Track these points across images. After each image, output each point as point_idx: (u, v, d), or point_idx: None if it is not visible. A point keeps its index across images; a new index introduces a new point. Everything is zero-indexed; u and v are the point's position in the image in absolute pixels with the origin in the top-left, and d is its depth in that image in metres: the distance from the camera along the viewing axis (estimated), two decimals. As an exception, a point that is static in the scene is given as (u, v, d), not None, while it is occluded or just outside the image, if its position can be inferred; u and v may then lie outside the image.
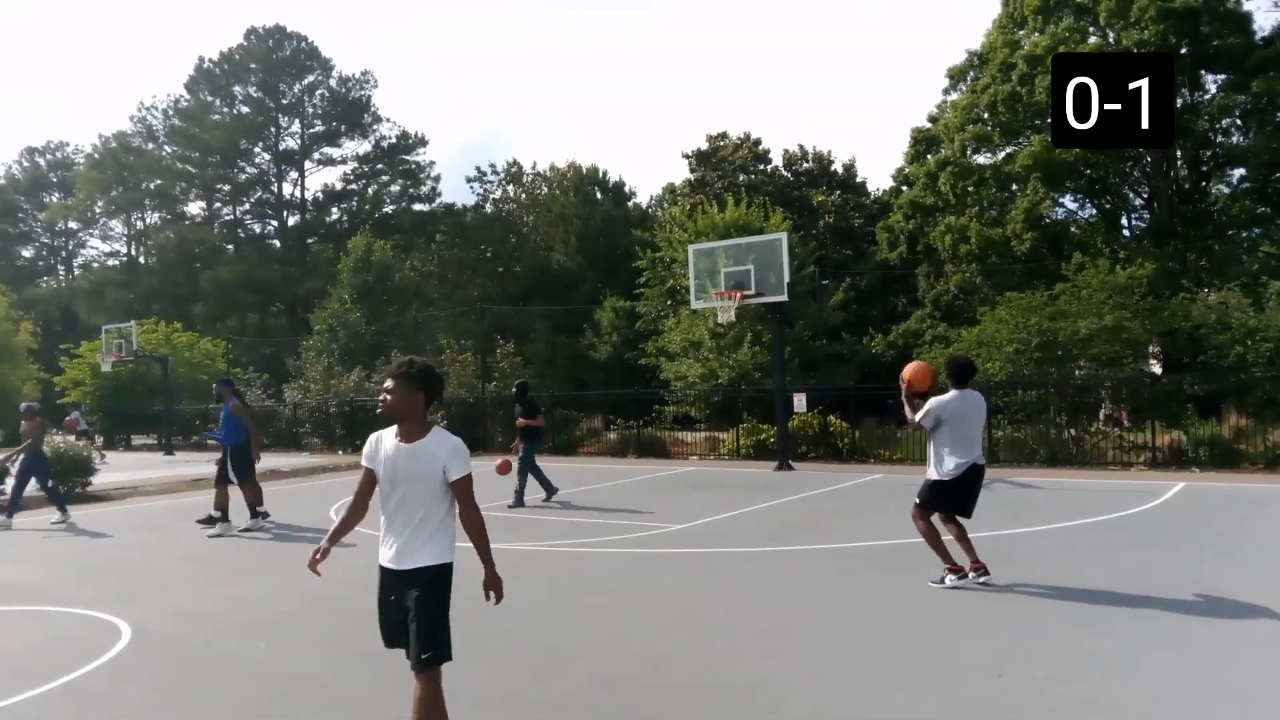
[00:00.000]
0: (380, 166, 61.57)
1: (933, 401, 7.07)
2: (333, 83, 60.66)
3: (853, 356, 33.13)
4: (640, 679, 5.09)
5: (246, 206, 63.84)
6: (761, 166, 42.87)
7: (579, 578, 7.91)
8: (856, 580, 7.32)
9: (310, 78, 60.21)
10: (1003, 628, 5.82)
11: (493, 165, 55.98)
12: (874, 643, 5.59)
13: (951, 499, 6.94)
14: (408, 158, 61.37)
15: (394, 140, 61.20)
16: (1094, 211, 31.75)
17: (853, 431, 18.01)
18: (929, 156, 32.59)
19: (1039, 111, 27.68)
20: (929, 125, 33.94)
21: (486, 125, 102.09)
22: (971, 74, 31.97)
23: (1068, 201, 31.62)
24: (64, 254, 70.33)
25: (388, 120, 62.40)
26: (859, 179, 43.30)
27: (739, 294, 16.49)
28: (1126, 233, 31.21)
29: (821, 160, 42.92)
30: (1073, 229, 30.58)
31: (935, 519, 7.06)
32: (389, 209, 61.29)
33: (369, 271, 39.23)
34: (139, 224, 66.17)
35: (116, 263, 66.58)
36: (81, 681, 5.31)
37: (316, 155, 61.88)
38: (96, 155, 62.88)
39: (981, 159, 31.36)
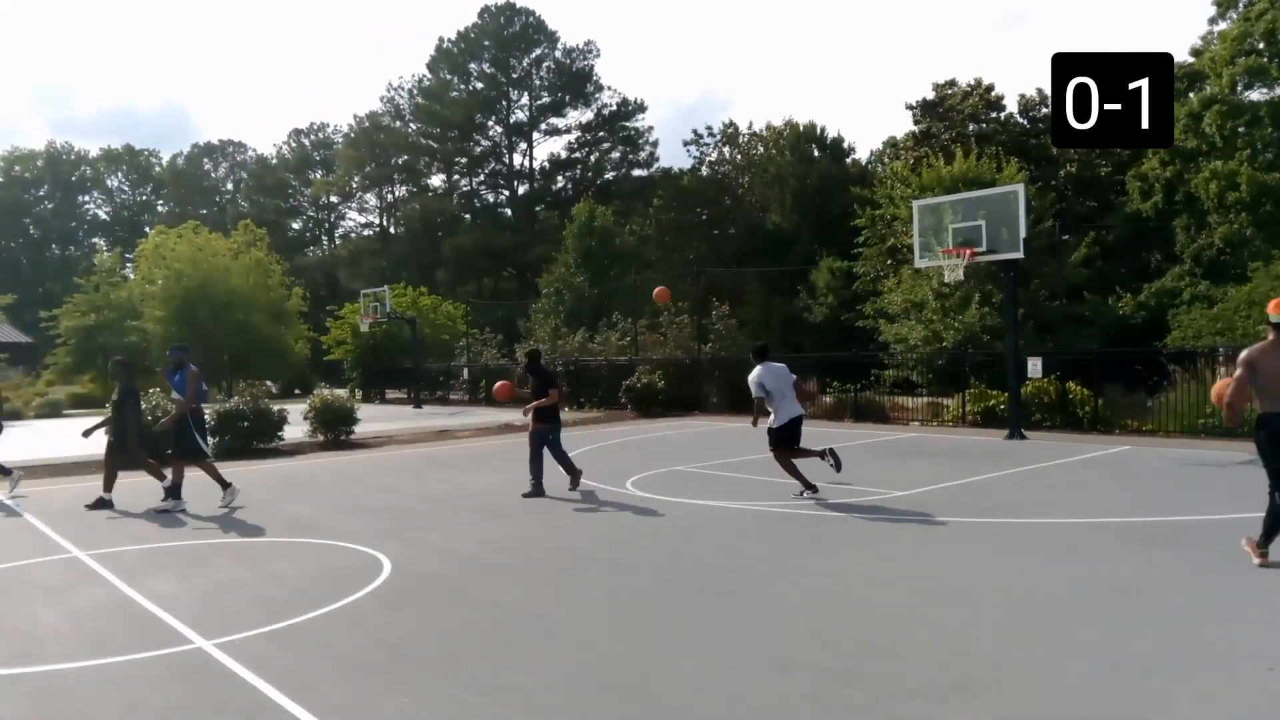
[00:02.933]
0: (602, 134, 63.48)
1: (752, 377, 9.92)
2: (558, 54, 62.99)
3: (1096, 318, 30.53)
4: (867, 642, 5.06)
5: (481, 178, 67.96)
6: (994, 114, 40.09)
7: (799, 538, 7.92)
8: (1098, 556, 6.84)
9: (537, 51, 62.81)
10: (1275, 616, 5.25)
11: (709, 128, 56.19)
12: (1124, 624, 5.22)
13: (789, 437, 9.87)
14: (627, 124, 62.88)
15: (614, 108, 62.84)
16: (1399, 150, 27.26)
17: (1095, 399, 16.66)
18: (1191, 95, 29.15)
19: (1329, 36, 24.05)
20: (1191, 60, 30.36)
21: (704, 88, 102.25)
22: (1245, -1, 28.21)
23: (1364, 140, 27.34)
24: (327, 225, 78.19)
25: (609, 89, 64.02)
26: (1107, 123, 39.48)
27: (968, 251, 15.63)
28: None
29: (1063, 105, 39.48)
30: (1371, 171, 26.42)
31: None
32: (609, 175, 63.14)
33: (591, 237, 40.69)
34: (389, 197, 72.25)
35: (371, 233, 73.19)
36: (351, 607, 6.00)
37: (543, 126, 64.72)
38: (352, 134, 69.09)
39: (1255, 95, 27.70)
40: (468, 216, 66.42)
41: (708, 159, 54.79)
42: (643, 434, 18.25)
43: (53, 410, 29.78)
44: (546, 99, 63.98)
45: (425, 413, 26.64)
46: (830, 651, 4.90)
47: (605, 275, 39.24)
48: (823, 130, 47.62)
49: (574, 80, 62.97)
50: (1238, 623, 5.18)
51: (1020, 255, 15.39)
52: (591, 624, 5.56)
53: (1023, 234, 15.18)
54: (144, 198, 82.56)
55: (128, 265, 46.96)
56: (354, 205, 75.10)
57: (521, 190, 66.06)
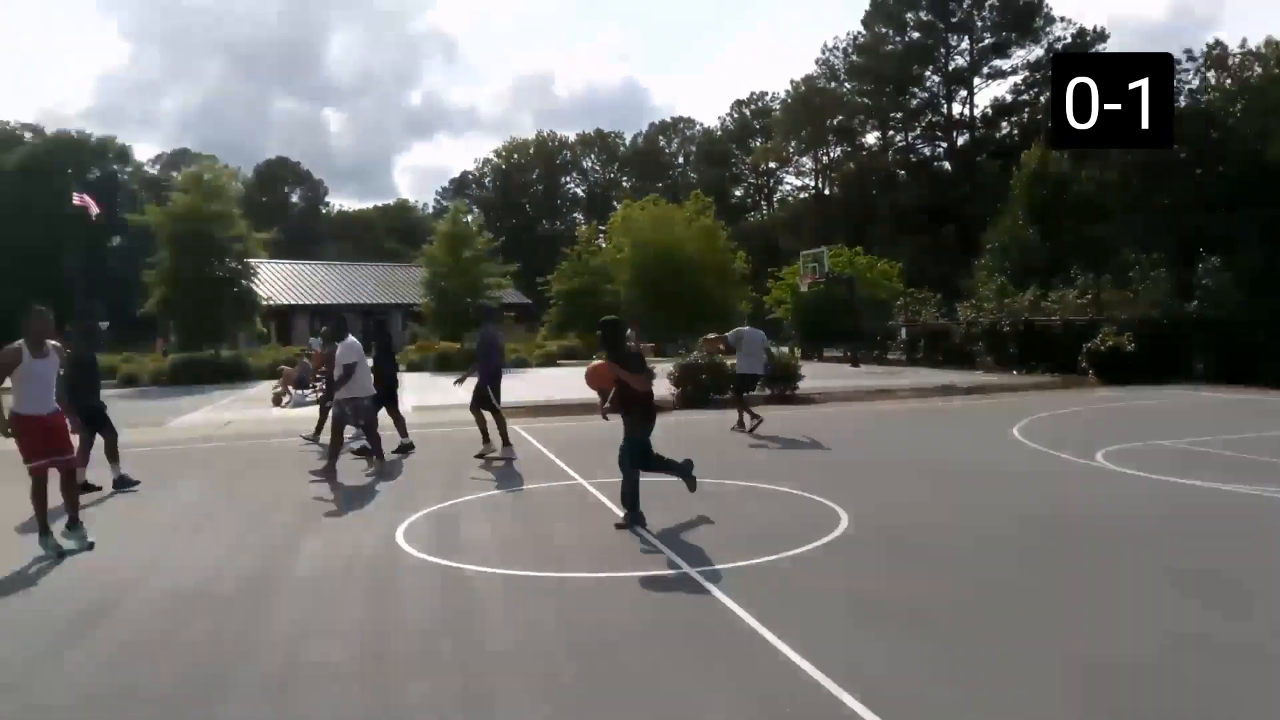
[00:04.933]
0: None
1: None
2: (1003, -11, 58.24)
3: None
4: None
5: (917, 131, 65.67)
6: None
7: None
8: None
9: (981, -11, 58.66)
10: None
11: (1187, 52, 47.96)
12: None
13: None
14: (1088, 57, 56.21)
15: (1069, 40, 56.55)
16: None
17: None
18: None
19: None
20: None
21: (1174, 5, 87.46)
22: None
23: None
24: (765, 191, 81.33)
25: (1062, 20, 57.68)
26: None
27: None
28: None
29: None
30: None
31: None
32: (1064, 116, 57.11)
33: (1043, 185, 37.24)
34: (824, 158, 72.94)
35: (807, 195, 74.63)
36: (810, 554, 6.30)
37: (985, 70, 60.54)
38: (789, 100, 70.71)
39: None
40: (903, 173, 64.67)
41: (1186, 87, 47.03)
42: (1109, 403, 16.47)
43: (548, 360, 35.10)
44: (989, 40, 59.63)
45: (863, 372, 26.70)
46: None
47: (1059, 227, 35.72)
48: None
49: (1021, 15, 57.79)
50: None
51: None
52: (1051, 595, 5.23)
53: None
54: (612, 175, 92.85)
55: (600, 236, 53.25)
56: (791, 169, 77.09)
57: (960, 141, 62.57)
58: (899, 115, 64.68)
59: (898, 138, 66.93)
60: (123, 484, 9.33)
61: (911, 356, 31.23)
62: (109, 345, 30.99)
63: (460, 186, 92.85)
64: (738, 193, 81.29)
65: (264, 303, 32.40)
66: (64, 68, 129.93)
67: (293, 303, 47.04)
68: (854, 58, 64.71)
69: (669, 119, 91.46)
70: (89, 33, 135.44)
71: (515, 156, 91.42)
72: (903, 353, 32.15)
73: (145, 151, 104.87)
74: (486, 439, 10.85)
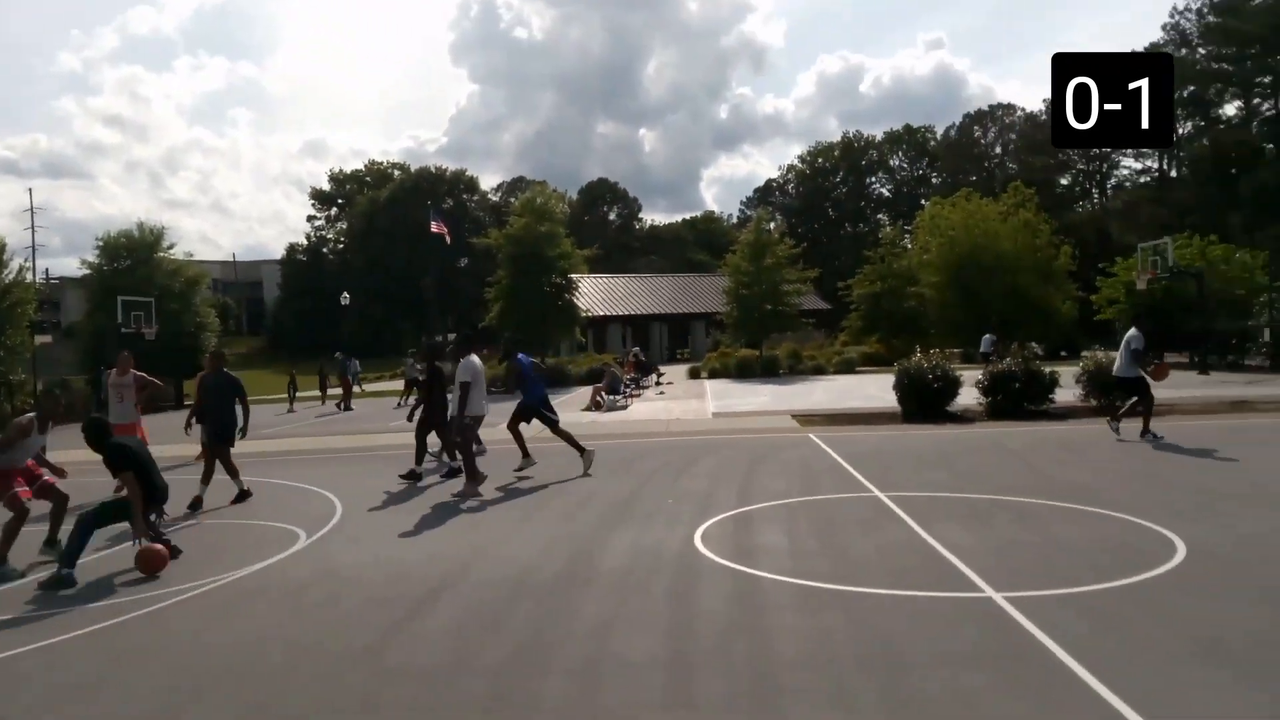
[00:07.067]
0: None
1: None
2: None
3: None
4: None
5: (1291, 97, 56.09)
6: None
7: None
8: None
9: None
10: None
11: None
12: None
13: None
14: None
15: None
16: None
17: None
18: None
19: None
20: None
21: None
22: None
23: None
24: (1098, 177, 73.75)
25: None
26: None
27: None
28: None
29: None
30: None
31: None
32: None
33: None
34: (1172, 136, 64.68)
35: (1148, 179, 66.70)
36: (1135, 586, 5.67)
37: (1389, 15, 50.25)
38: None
39: None
40: (1270, 146, 55.54)
41: None
42: None
43: (846, 367, 34.47)
44: (1396, -21, 49.43)
45: (1213, 380, 23.39)
46: None
47: None
48: None
49: None
50: None
51: None
52: None
53: None
54: (920, 172, 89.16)
55: (906, 236, 51.30)
56: (1129, 152, 69.19)
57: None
58: (1267, 80, 55.72)
59: (1264, 106, 57.67)
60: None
61: (1276, 362, 26.83)
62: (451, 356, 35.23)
63: (764, 195, 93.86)
64: (1064, 181, 74.45)
65: (583, 314, 34.92)
66: (425, 112, 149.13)
67: (607, 313, 50.51)
68: (1210, 18, 56.85)
69: (985, 107, 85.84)
70: (445, 80, 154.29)
71: (820, 160, 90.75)
72: (1266, 358, 27.71)
73: (488, 181, 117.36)
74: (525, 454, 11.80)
